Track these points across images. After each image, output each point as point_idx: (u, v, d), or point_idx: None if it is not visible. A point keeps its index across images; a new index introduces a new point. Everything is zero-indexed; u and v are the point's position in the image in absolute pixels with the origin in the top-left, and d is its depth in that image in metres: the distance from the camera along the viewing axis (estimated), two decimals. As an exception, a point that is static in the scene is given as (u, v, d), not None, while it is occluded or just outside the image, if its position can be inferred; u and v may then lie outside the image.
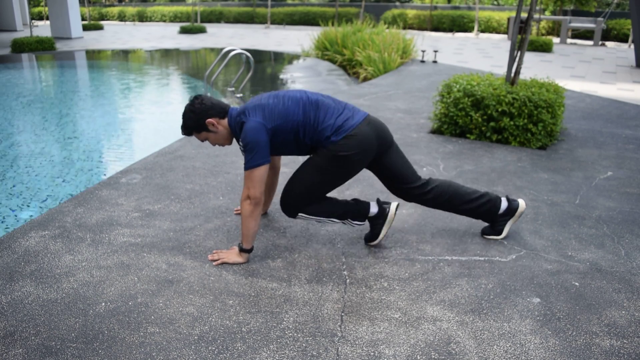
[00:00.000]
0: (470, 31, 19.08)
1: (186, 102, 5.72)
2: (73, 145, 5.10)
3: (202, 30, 19.22)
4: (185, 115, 2.63)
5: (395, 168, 2.71)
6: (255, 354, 1.97)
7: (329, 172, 2.58)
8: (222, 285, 2.42)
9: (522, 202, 2.86)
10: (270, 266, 2.60)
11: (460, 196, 2.79)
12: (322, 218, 2.71)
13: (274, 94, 2.61)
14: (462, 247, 2.83)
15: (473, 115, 4.79)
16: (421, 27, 20.06)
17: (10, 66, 10.67)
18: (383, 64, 9.25)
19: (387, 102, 6.54)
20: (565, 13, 17.97)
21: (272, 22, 23.20)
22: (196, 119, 2.60)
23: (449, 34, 18.33)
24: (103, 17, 27.55)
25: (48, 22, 23.34)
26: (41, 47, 13.40)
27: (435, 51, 10.58)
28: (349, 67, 10.28)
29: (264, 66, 11.03)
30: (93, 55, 12.78)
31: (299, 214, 2.68)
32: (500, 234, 2.90)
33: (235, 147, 4.53)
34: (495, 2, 25.60)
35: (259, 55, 12.52)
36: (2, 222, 3.45)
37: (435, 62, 10.35)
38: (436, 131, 5.16)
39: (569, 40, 16.18)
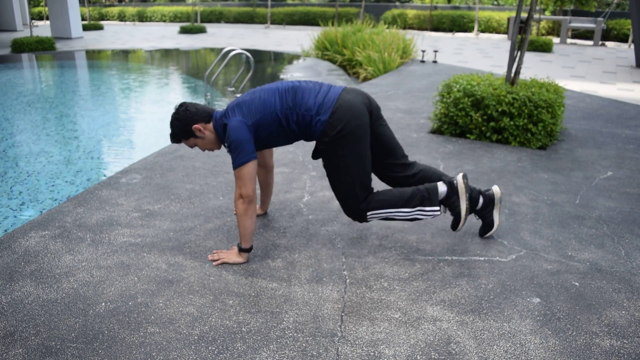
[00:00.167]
0: (470, 31, 19.09)
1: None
2: (73, 145, 5.10)
3: (202, 30, 19.23)
4: (172, 124, 2.66)
5: (387, 140, 2.72)
6: (255, 354, 1.97)
7: (346, 154, 2.55)
8: (222, 285, 2.42)
9: (496, 188, 2.85)
10: (270, 266, 2.60)
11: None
12: (390, 210, 2.64)
13: (251, 91, 2.65)
14: (462, 247, 2.83)
15: (473, 115, 4.79)
16: (421, 27, 20.07)
17: (10, 66, 10.67)
18: (383, 64, 9.25)
19: (387, 102, 6.54)
20: (565, 13, 17.98)
21: (272, 22, 23.21)
22: (182, 126, 2.63)
23: (449, 34, 18.34)
24: (103, 17, 27.57)
25: (48, 22, 23.37)
26: (41, 47, 13.40)
27: (435, 51, 10.58)
28: (349, 67, 10.28)
29: (264, 66, 11.03)
30: (93, 55, 12.79)
31: (367, 214, 2.65)
32: (492, 225, 2.87)
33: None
34: (495, 2, 25.60)
35: (259, 55, 12.52)
36: (2, 222, 3.45)
37: (435, 62, 10.35)
38: (436, 131, 5.16)
39: (569, 40, 16.18)
